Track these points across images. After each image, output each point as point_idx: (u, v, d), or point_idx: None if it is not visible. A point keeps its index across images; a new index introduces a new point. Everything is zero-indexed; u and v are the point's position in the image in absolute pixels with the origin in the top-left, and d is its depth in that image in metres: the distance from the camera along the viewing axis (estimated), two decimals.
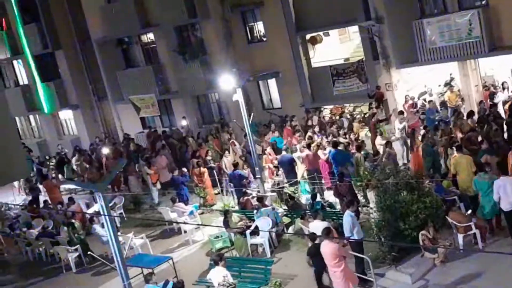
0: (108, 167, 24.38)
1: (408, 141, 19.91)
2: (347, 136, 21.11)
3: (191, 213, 19.58)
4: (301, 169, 20.06)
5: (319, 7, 25.08)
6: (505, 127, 18.28)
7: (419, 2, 22.74)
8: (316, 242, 13.31)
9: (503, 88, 21.85)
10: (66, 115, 36.70)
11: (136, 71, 31.33)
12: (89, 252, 17.82)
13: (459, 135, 18.07)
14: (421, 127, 20.36)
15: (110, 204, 20.42)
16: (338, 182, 16.81)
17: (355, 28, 25.79)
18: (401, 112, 21.69)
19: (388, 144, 18.68)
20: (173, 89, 30.45)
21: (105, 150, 25.47)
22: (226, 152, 22.86)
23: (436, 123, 20.35)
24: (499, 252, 12.87)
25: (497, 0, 20.77)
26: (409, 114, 21.94)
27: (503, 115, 19.98)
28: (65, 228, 19.66)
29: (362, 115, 25.52)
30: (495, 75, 24.11)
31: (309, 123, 24.34)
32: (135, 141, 29.46)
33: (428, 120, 21.14)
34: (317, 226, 13.87)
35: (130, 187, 24.31)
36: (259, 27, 27.80)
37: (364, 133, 23.37)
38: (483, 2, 21.45)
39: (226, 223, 17.13)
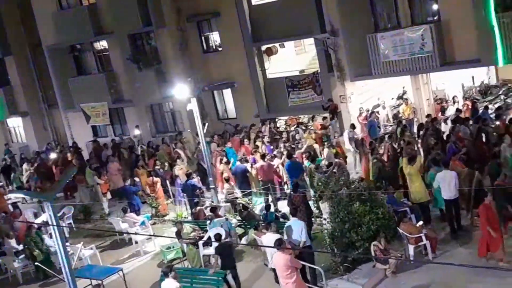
0: (58, 175, 23.82)
1: (357, 154, 20.13)
2: (292, 146, 21.05)
3: (143, 223, 19.27)
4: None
5: (275, 19, 25.22)
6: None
7: (374, 17, 23.14)
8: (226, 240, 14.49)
9: (454, 102, 22.35)
10: (15, 122, 35.83)
11: (88, 78, 30.85)
12: (36, 263, 17.30)
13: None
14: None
15: (59, 214, 19.95)
16: (292, 193, 16.81)
17: (310, 40, 26.00)
18: (352, 126, 21.90)
19: (338, 155, 18.81)
20: (126, 97, 30.08)
21: (53, 156, 24.84)
22: (178, 160, 22.63)
23: (382, 135, 20.65)
24: (449, 263, 13.16)
25: (449, 16, 21.26)
26: (362, 126, 22.21)
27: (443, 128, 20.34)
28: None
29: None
30: (446, 89, 24.65)
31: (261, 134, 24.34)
32: (80, 149, 29.01)
33: (372, 132, 21.42)
34: (269, 239, 13.79)
35: (80, 197, 23.76)
36: (215, 37, 27.75)
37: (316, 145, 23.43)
38: (435, 18, 21.93)
39: (178, 234, 16.90)
